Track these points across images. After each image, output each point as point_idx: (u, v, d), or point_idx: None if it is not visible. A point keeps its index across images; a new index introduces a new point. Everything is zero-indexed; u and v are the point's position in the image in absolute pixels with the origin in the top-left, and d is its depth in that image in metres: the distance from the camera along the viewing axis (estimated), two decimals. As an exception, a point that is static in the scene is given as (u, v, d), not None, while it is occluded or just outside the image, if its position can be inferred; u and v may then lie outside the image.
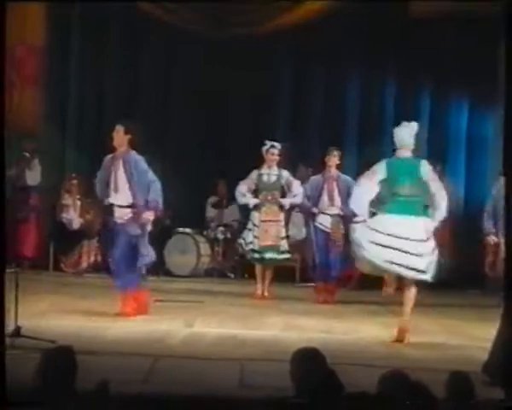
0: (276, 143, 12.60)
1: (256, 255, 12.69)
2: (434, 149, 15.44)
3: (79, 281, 12.90)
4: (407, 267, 9.02)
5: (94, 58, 15.68)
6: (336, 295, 12.44)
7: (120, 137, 10.12)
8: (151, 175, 10.14)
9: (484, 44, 14.10)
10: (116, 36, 15.59)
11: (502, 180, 8.92)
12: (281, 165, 12.67)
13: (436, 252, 9.18)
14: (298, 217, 13.72)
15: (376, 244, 9.03)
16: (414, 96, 15.93)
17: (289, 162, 13.12)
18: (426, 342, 9.31)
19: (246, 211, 13.10)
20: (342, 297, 12.47)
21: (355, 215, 9.43)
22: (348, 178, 12.32)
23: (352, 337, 9.45)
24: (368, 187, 9.31)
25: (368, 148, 14.00)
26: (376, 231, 9.06)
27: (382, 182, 9.25)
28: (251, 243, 12.64)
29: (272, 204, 12.56)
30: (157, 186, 10.16)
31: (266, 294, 12.48)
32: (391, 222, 9.08)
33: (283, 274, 13.29)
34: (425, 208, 9.23)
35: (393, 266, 9.05)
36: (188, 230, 14.73)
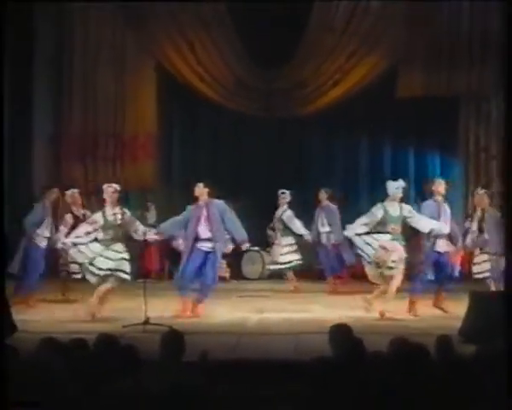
0: (285, 191, 12.50)
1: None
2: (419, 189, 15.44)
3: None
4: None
5: (187, 139, 15.59)
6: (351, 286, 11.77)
7: (200, 189, 9.62)
8: (229, 213, 9.63)
9: (449, 117, 14.07)
10: (201, 121, 15.50)
11: None
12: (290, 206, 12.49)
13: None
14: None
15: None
16: (401, 156, 15.47)
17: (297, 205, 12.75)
18: (419, 317, 9.21)
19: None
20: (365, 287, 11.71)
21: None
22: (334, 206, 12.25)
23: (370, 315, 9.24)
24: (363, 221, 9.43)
25: (371, 195, 13.38)
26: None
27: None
28: None
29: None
30: (233, 224, 9.60)
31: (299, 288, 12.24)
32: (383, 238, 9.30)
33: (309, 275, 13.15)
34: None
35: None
36: (256, 248, 14.65)
